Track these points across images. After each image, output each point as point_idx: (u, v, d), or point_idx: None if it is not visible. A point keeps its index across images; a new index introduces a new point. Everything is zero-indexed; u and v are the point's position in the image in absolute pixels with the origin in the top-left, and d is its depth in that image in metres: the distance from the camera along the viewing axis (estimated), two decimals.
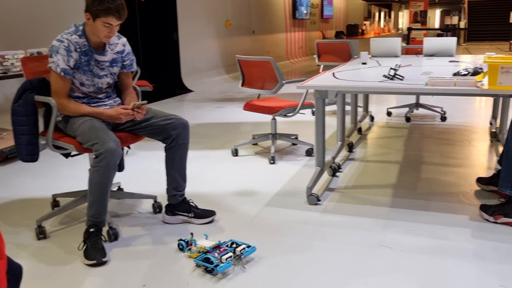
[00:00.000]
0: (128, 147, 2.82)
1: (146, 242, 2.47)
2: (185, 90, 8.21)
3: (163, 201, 2.76)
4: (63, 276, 2.15)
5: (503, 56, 2.60)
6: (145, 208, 2.92)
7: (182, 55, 8.44)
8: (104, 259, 2.25)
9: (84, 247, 2.31)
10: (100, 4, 2.39)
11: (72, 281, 2.11)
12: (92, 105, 2.60)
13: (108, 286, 2.06)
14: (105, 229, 2.45)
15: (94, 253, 2.26)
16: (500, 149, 3.95)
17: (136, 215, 2.83)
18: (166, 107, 6.63)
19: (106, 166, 2.29)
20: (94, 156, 2.31)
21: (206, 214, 2.71)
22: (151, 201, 2.90)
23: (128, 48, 2.74)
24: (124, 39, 2.74)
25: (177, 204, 2.68)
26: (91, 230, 2.34)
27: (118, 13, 2.42)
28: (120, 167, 2.92)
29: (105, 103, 2.65)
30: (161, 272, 2.17)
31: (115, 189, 3.13)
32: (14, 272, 1.13)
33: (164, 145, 2.62)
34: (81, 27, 2.53)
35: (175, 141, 2.59)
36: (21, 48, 4.33)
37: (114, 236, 2.51)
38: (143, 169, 3.71)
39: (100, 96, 2.65)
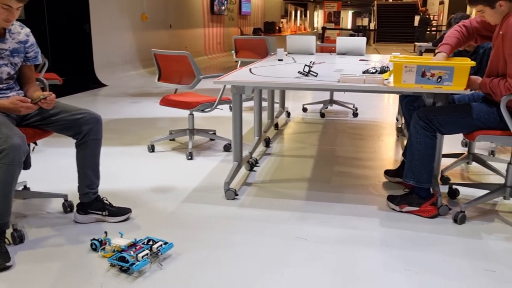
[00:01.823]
0: (35, 143, 2.65)
1: (56, 243, 2.34)
2: (99, 84, 7.88)
3: (75, 199, 2.63)
4: None
5: (407, 56, 2.78)
6: (54, 207, 2.76)
7: (95, 47, 8.07)
8: (8, 264, 2.10)
9: None
10: None
11: None
12: None
13: None
14: (9, 232, 2.28)
15: None
16: (405, 143, 4.23)
17: (44, 215, 2.67)
18: (78, 102, 6.32)
19: (10, 163, 2.11)
20: None
21: (121, 212, 2.62)
22: (61, 200, 2.75)
23: (32, 39, 2.55)
24: (27, 30, 2.55)
25: (90, 203, 2.57)
26: None
27: None
28: (26, 165, 2.72)
29: (7, 95, 2.45)
30: (73, 274, 2.07)
31: (20, 188, 2.92)
32: None
33: (74, 141, 2.50)
34: None
35: (87, 136, 2.48)
36: None
37: (19, 238, 2.34)
38: (52, 167, 3.51)
39: (0, 86, 2.45)
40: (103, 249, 2.22)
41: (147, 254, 2.12)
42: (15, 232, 2.34)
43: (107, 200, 2.63)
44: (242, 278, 2.05)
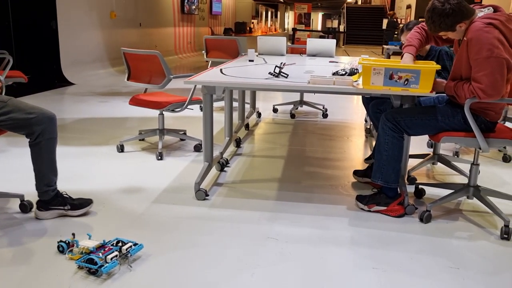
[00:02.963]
0: None
1: (18, 245, 2.28)
2: (66, 82, 7.70)
3: (34, 198, 2.57)
4: None
5: (376, 59, 2.83)
6: (14, 208, 2.69)
7: (62, 45, 7.89)
8: None
9: None
10: None
11: None
12: None
13: None
14: None
15: None
16: (373, 143, 4.30)
17: (5, 216, 2.59)
18: (44, 100, 6.17)
19: None
20: None
21: (83, 204, 2.63)
22: (19, 200, 2.67)
23: None
24: None
25: (51, 199, 2.55)
26: None
27: None
28: None
29: None
30: (38, 277, 2.02)
31: None
32: None
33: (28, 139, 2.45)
34: None
35: (41, 136, 2.43)
36: None
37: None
38: (15, 167, 3.41)
39: None
40: (71, 251, 2.17)
41: (116, 255, 2.09)
42: None
43: (67, 194, 2.62)
44: (213, 279, 2.04)
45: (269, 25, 29.35)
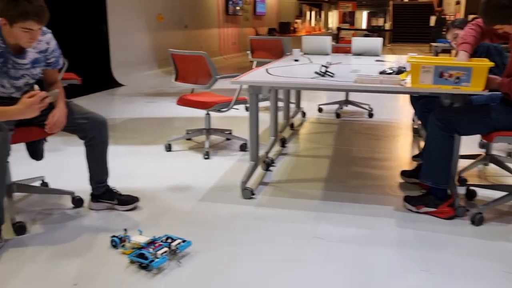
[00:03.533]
0: (44, 139, 2.69)
1: (76, 239, 2.39)
2: (116, 84, 7.97)
3: (86, 194, 2.69)
4: None
5: (424, 57, 2.78)
6: (68, 204, 2.81)
7: (112, 48, 8.17)
8: None
9: None
10: (15, 8, 2.10)
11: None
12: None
13: (36, 286, 1.98)
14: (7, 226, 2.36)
15: None
16: (422, 144, 4.21)
17: (64, 211, 2.72)
18: (96, 101, 6.41)
19: None
20: None
21: (129, 201, 2.77)
22: (85, 195, 2.81)
23: (52, 45, 2.50)
24: (48, 36, 2.49)
25: (101, 194, 2.73)
26: None
27: (38, 16, 2.16)
28: (38, 156, 2.75)
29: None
30: (94, 270, 2.11)
31: (38, 183, 3.01)
32: None
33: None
34: None
35: (93, 140, 2.58)
36: None
37: (21, 229, 2.44)
38: (70, 166, 3.56)
39: (16, 95, 2.41)
40: (123, 246, 2.26)
41: (166, 251, 2.16)
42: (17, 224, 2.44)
43: (116, 190, 2.77)
44: (258, 277, 2.07)
45: (313, 25, 29.18)
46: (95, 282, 2.01)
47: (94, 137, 2.57)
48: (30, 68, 2.42)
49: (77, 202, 2.79)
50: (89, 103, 6.22)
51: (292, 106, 5.13)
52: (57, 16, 7.74)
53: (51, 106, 2.43)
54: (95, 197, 2.75)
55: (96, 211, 2.72)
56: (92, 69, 7.91)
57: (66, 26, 7.77)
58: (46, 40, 2.48)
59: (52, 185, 3.08)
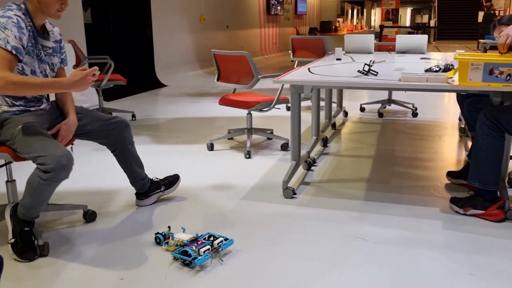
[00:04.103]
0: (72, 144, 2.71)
1: (122, 236, 2.46)
2: (159, 84, 8.14)
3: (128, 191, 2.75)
4: (41, 271, 2.12)
5: (473, 53, 2.68)
6: (123, 200, 2.89)
7: (156, 49, 8.36)
8: (30, 260, 2.18)
9: (15, 243, 2.18)
10: None
11: (50, 274, 2.08)
12: (31, 109, 2.28)
13: (85, 280, 2.05)
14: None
15: (27, 252, 2.18)
16: (469, 144, 4.07)
17: (109, 209, 2.80)
18: (140, 102, 6.56)
19: (57, 181, 2.09)
20: (40, 170, 2.05)
21: (173, 181, 2.89)
22: (129, 192, 2.88)
23: (62, 39, 2.43)
24: (58, 29, 2.41)
25: (148, 189, 2.78)
26: (26, 229, 2.20)
27: None
28: None
29: (41, 106, 2.34)
30: (139, 265, 2.16)
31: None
32: None
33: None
34: (22, 6, 2.15)
35: (121, 145, 2.58)
36: None
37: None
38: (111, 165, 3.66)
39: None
40: (167, 242, 2.30)
41: (208, 249, 2.18)
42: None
43: (157, 178, 2.84)
44: (301, 276, 2.06)
45: (355, 23, 28.79)
46: (140, 277, 2.06)
47: (122, 142, 2.55)
48: (52, 54, 2.31)
49: (90, 216, 2.64)
50: (134, 104, 6.38)
51: (334, 105, 5.08)
52: (104, 20, 7.99)
53: (61, 115, 2.42)
54: (143, 195, 2.79)
55: (140, 208, 2.78)
56: (137, 70, 8.13)
57: (113, 30, 8.01)
58: (58, 31, 2.42)
59: (97, 185, 3.18)
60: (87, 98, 6.01)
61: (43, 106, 2.38)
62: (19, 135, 2.12)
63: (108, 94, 6.39)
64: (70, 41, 5.16)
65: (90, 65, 2.43)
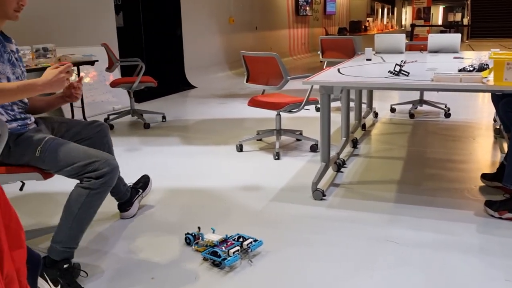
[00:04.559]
0: None
1: (153, 235, 2.50)
2: (189, 86, 8.23)
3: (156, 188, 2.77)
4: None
5: (509, 52, 2.61)
6: (153, 199, 2.94)
7: (185, 51, 8.46)
8: None
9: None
10: None
11: (82, 272, 2.13)
12: (19, 122, 2.06)
13: (117, 278, 2.09)
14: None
15: None
16: (505, 145, 3.96)
17: (143, 207, 2.85)
18: (171, 103, 6.65)
19: (111, 185, 2.04)
20: (91, 178, 1.98)
21: (147, 181, 2.86)
22: (159, 191, 2.92)
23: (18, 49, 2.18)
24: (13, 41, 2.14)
25: (130, 196, 2.69)
26: (66, 266, 1.99)
27: None
28: None
29: (27, 124, 2.11)
30: (169, 265, 2.19)
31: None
32: (33, 261, 1.16)
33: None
34: None
35: (107, 147, 2.39)
36: (27, 43, 4.35)
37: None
38: (148, 164, 3.73)
39: (20, 112, 2.09)
40: (197, 243, 2.33)
41: (238, 250, 2.19)
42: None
43: (131, 183, 2.79)
44: (329, 279, 2.05)
45: (385, 22, 28.40)
46: (171, 277, 2.09)
47: (107, 143, 2.40)
48: (20, 62, 2.11)
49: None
50: (164, 105, 6.47)
51: (364, 106, 5.02)
52: (135, 24, 8.13)
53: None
54: (127, 203, 2.66)
55: (170, 208, 2.82)
56: (167, 72, 8.24)
57: (144, 33, 8.14)
58: (14, 42, 2.16)
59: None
60: (118, 100, 6.14)
61: (32, 121, 2.17)
62: (49, 149, 1.99)
63: (139, 95, 6.50)
64: (103, 44, 5.27)
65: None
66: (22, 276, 1.06)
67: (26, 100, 2.13)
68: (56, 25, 5.57)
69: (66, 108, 5.32)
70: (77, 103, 5.16)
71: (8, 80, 1.98)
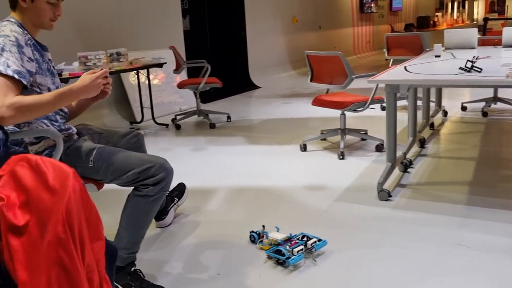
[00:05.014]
0: None
1: (219, 232, 2.56)
2: (253, 86, 8.32)
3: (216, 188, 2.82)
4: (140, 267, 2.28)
5: None
6: (220, 197, 3.01)
7: (249, 52, 8.56)
8: None
9: None
10: None
11: (151, 268, 2.23)
12: (64, 133, 2.00)
13: (184, 275, 2.16)
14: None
15: None
16: None
17: (209, 205, 2.93)
18: (235, 103, 6.76)
19: (167, 190, 2.04)
20: (149, 185, 1.96)
21: (182, 190, 2.81)
22: (226, 190, 2.99)
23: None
24: None
25: (166, 205, 2.65)
26: (133, 269, 2.04)
27: None
28: None
29: (72, 132, 2.07)
30: (234, 262, 2.24)
31: None
32: (110, 252, 1.24)
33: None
34: (12, 20, 1.88)
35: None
36: (102, 48, 4.60)
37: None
38: (212, 164, 3.82)
39: (59, 119, 2.04)
40: (261, 241, 2.36)
41: (302, 249, 2.20)
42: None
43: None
44: (396, 281, 2.00)
45: (455, 17, 27.15)
46: (236, 274, 2.13)
47: (143, 152, 2.32)
48: (54, 68, 2.07)
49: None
50: (229, 105, 6.59)
51: (432, 104, 4.85)
52: (201, 26, 8.35)
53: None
54: (162, 212, 2.62)
55: (235, 206, 2.88)
56: (232, 73, 8.39)
57: (209, 35, 8.34)
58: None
59: (196, 182, 3.34)
60: (185, 100, 6.33)
61: (74, 131, 2.11)
62: (102, 159, 1.96)
63: (205, 96, 6.67)
64: (170, 47, 5.47)
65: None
66: (101, 266, 1.14)
67: (66, 110, 2.09)
68: (128, 31, 5.84)
69: (136, 109, 5.57)
70: (147, 104, 5.39)
71: (49, 91, 1.92)
